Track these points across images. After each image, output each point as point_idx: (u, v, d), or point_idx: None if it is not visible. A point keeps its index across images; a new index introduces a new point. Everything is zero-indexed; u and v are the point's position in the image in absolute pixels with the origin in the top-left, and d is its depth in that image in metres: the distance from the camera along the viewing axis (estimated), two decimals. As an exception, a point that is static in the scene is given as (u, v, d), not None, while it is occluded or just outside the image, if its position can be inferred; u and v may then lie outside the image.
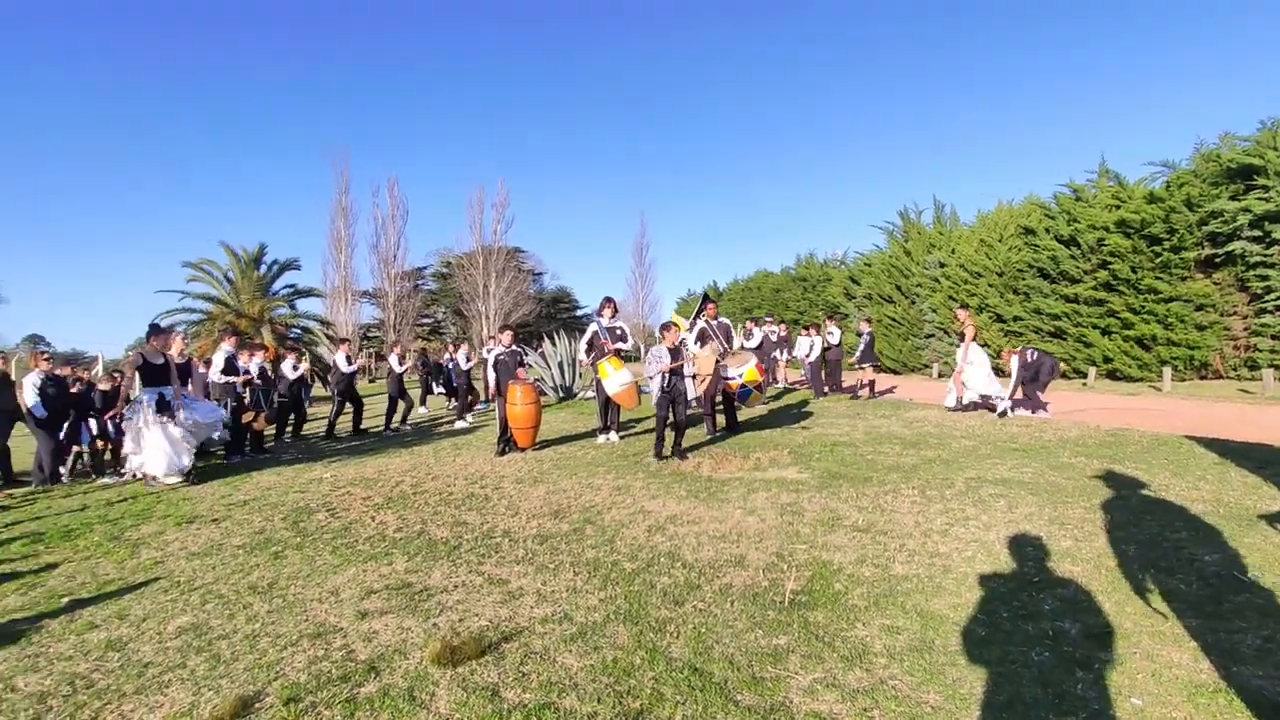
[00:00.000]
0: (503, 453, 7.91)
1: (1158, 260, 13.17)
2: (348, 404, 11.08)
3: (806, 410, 10.52)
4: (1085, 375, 14.33)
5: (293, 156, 75.54)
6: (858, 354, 12.42)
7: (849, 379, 14.24)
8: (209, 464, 8.20)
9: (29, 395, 7.77)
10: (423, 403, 15.23)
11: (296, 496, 6.23)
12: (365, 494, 6.16)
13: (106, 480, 7.79)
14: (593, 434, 8.86)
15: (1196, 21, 78.25)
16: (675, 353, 7.11)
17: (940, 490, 5.13)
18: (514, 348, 8.53)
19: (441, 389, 16.02)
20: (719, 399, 8.63)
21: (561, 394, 14.25)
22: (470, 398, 12.61)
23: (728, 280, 34.81)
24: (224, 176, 76.47)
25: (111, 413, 8.17)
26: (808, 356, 13.21)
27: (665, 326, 7.39)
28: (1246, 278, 12.18)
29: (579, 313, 51.43)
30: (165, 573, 4.21)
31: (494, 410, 8.37)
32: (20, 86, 69.54)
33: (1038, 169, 75.76)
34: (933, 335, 18.92)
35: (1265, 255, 11.78)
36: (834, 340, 13.07)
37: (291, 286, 25.71)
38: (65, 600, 3.79)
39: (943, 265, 18.63)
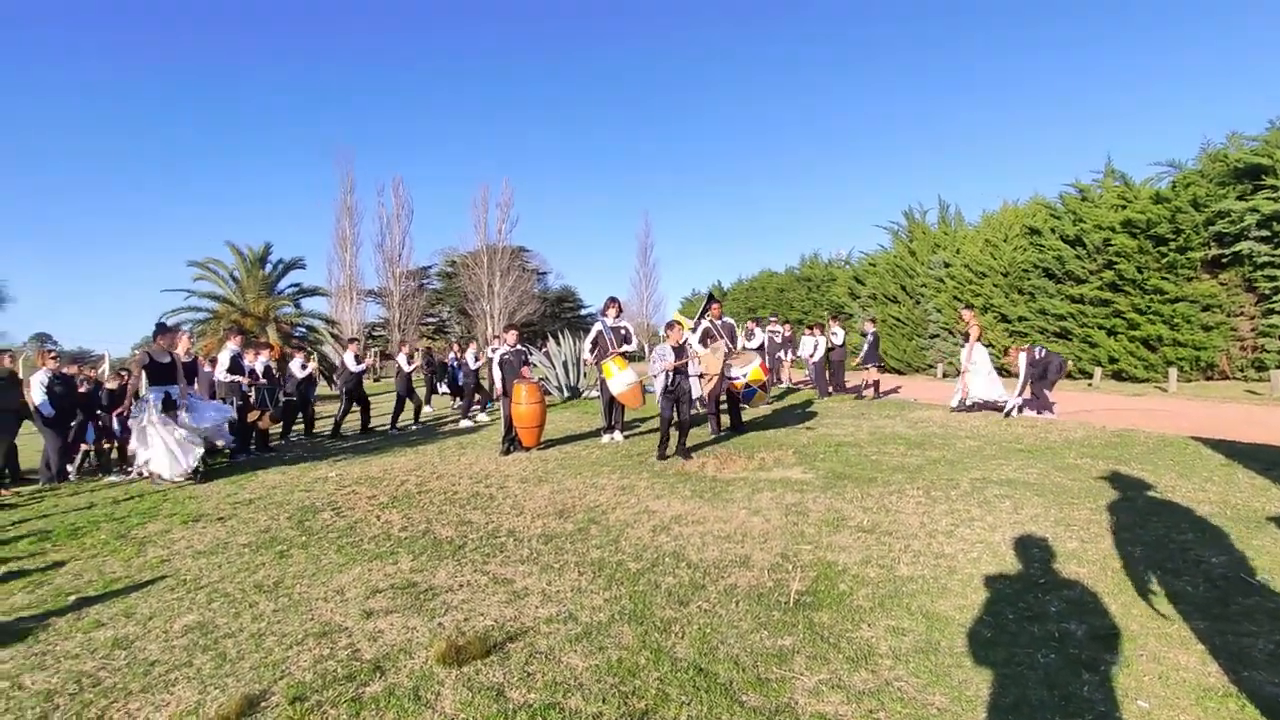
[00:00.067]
0: (507, 452, 7.92)
1: (1164, 260, 13.12)
2: (354, 404, 11.08)
3: (811, 410, 10.50)
4: (1091, 376, 14.28)
5: (298, 156, 75.60)
6: (862, 354, 12.40)
7: (853, 379, 14.22)
8: (217, 463, 8.22)
9: (36, 394, 7.81)
10: (427, 402, 15.25)
11: (302, 495, 6.25)
12: (370, 493, 6.17)
13: (113, 478, 7.82)
14: (597, 433, 8.86)
15: (1201, 21, 77.92)
16: (679, 351, 7.11)
17: (945, 491, 5.12)
18: (519, 347, 8.54)
19: (444, 389, 16.03)
20: (723, 399, 8.62)
21: (568, 393, 14.26)
22: (479, 396, 12.61)
23: (732, 280, 34.81)
24: (229, 176, 76.57)
25: (118, 410, 8.21)
26: (811, 356, 13.19)
27: (669, 325, 7.39)
28: (1254, 278, 12.12)
29: (583, 312, 51.42)
30: (171, 571, 4.23)
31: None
32: (23, 86, 69.88)
33: (1043, 169, 75.76)
34: (937, 335, 18.87)
35: (1273, 255, 11.72)
36: (838, 340, 13.06)
37: (297, 286, 25.85)
38: (72, 598, 3.81)
39: (947, 265, 18.58)
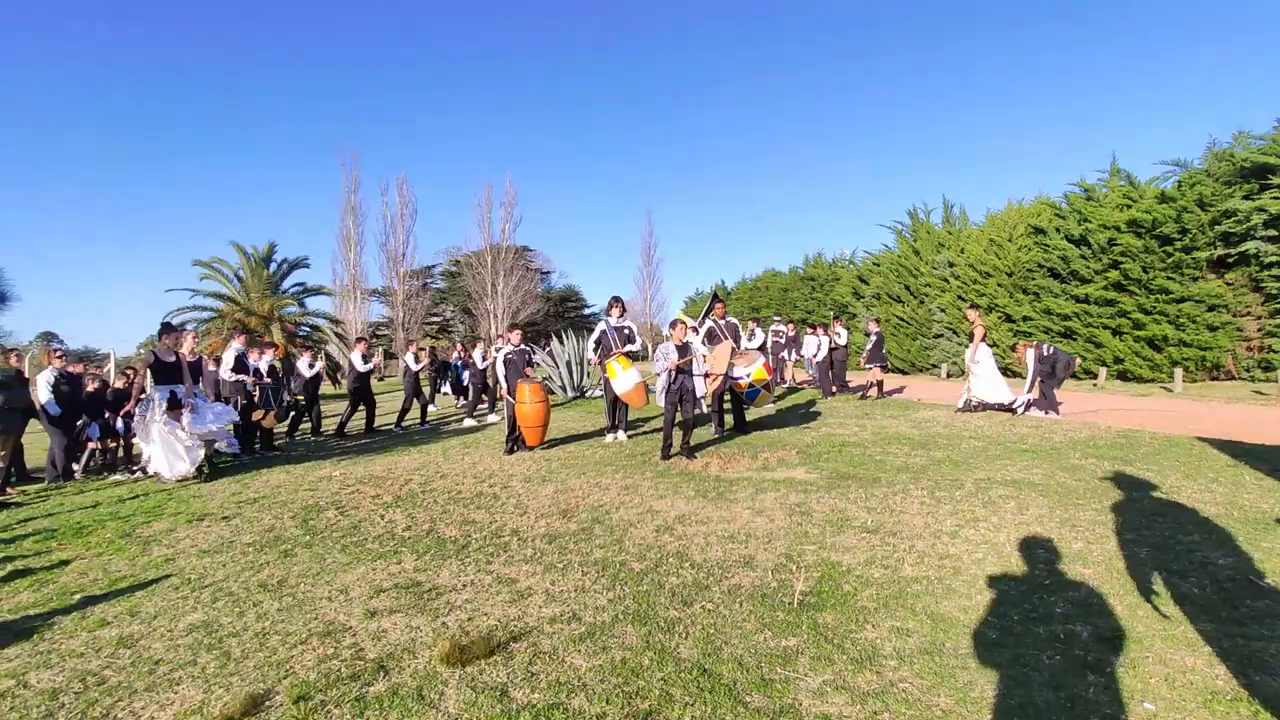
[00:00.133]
0: (511, 451, 7.93)
1: (1169, 260, 13.06)
2: (360, 403, 11.09)
3: (814, 410, 10.48)
4: (1096, 376, 14.22)
5: (302, 156, 75.94)
6: (866, 354, 12.37)
7: (857, 379, 14.20)
8: (223, 461, 8.24)
9: (43, 392, 7.85)
10: (431, 401, 15.27)
11: (306, 494, 6.26)
12: (374, 492, 6.18)
13: (118, 477, 7.85)
14: (601, 433, 8.87)
15: (1207, 20, 77.54)
16: (683, 350, 7.10)
17: (950, 491, 5.10)
18: (522, 346, 8.54)
19: (447, 389, 16.04)
20: (727, 398, 8.62)
21: (572, 393, 14.26)
22: (484, 396, 12.64)
23: (735, 280, 34.77)
24: (234, 176, 76.96)
25: (124, 410, 8.24)
26: (815, 356, 13.17)
27: (673, 324, 7.38)
28: (1261, 278, 12.06)
29: (587, 312, 51.45)
30: (176, 570, 4.24)
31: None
32: (25, 87, 70.13)
33: (1048, 169, 75.43)
34: (941, 335, 18.82)
35: (1280, 255, 11.66)
36: (841, 341, 13.04)
37: (301, 285, 25.93)
38: (77, 597, 3.82)
39: (952, 265, 18.53)
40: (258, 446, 9.22)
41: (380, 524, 5.11)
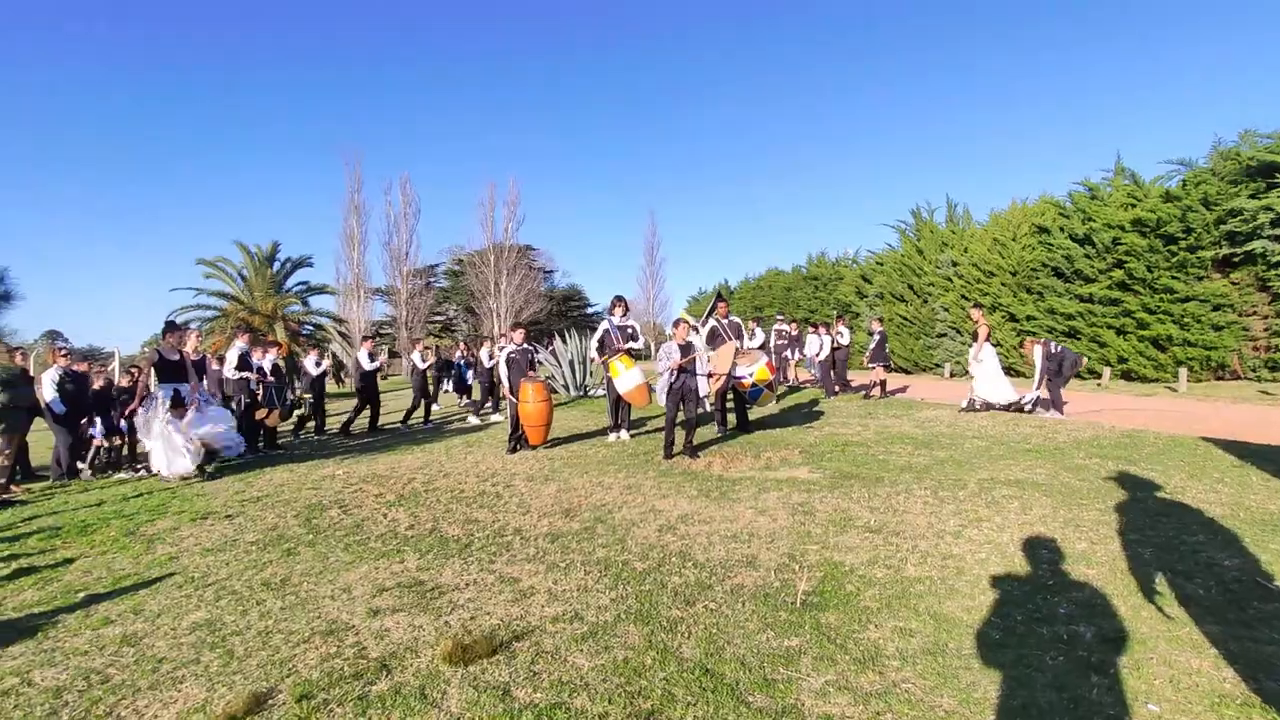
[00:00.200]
0: (514, 450, 7.93)
1: (1174, 259, 13.01)
2: (366, 401, 11.10)
3: (818, 410, 10.47)
4: (1100, 375, 14.18)
5: (306, 155, 76.18)
6: (869, 353, 12.35)
7: (860, 378, 14.19)
8: (229, 460, 8.26)
9: (47, 391, 7.87)
10: (434, 400, 15.30)
11: (309, 493, 6.27)
12: (377, 491, 6.19)
13: (123, 475, 7.88)
14: (603, 432, 8.87)
15: (1212, 19, 77.15)
16: (686, 349, 7.10)
17: (953, 491, 5.09)
18: (525, 346, 8.55)
19: (448, 387, 16.06)
20: (730, 397, 8.61)
21: (578, 392, 14.26)
22: (492, 395, 12.66)
23: (739, 279, 34.74)
24: (238, 175, 77.13)
25: (129, 409, 8.27)
26: (817, 356, 13.17)
27: (676, 324, 7.39)
28: (1268, 277, 12.00)
29: (590, 311, 51.48)
30: (180, 568, 4.25)
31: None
32: (27, 86, 70.33)
33: (1052, 168, 75.11)
34: (945, 334, 18.78)
35: (1287, 254, 11.60)
36: (844, 340, 13.02)
37: (304, 284, 25.97)
38: (81, 595, 3.83)
39: (955, 264, 18.49)
40: (261, 445, 9.24)
41: (383, 523, 5.11)
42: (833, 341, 12.90)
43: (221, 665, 2.86)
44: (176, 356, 7.29)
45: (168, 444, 6.97)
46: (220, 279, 23.81)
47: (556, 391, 14.05)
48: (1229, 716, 2.20)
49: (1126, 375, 14.13)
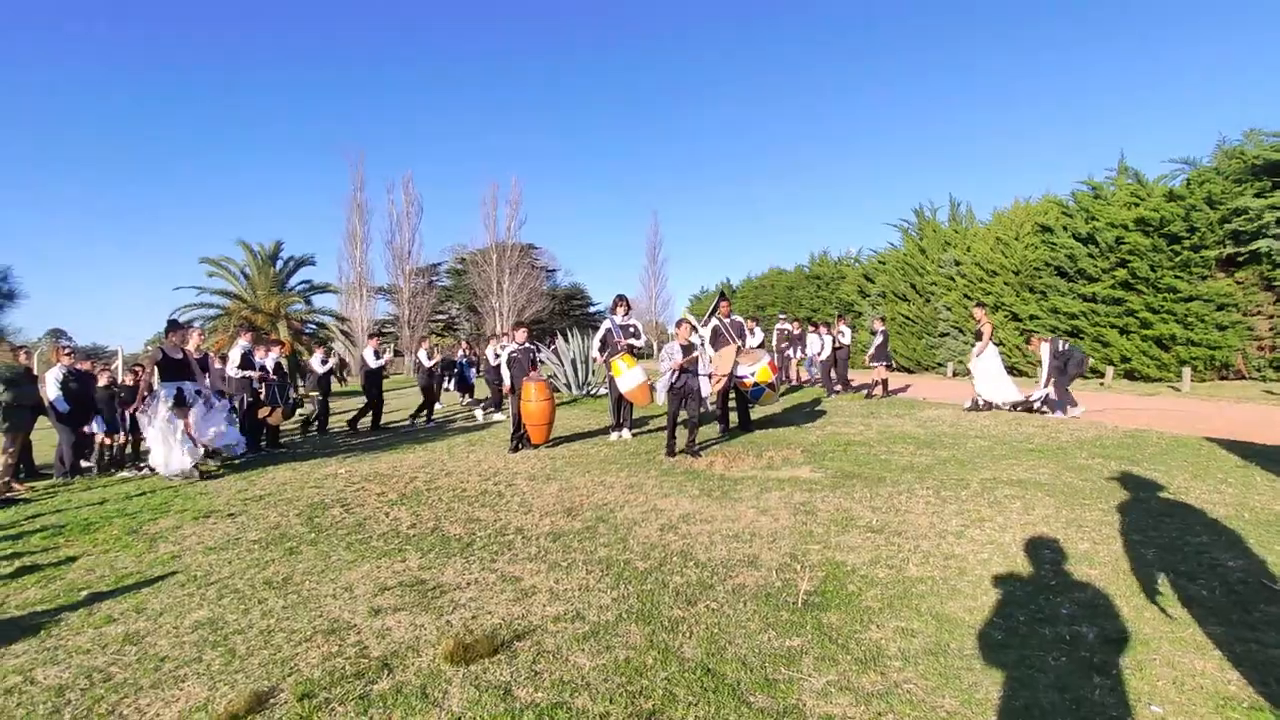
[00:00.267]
0: (516, 449, 7.93)
1: (1177, 259, 12.97)
2: (370, 399, 11.13)
3: (820, 409, 10.46)
4: (1103, 375, 14.14)
5: (304, 156, 76.27)
6: (871, 352, 12.34)
7: (862, 378, 14.17)
8: (229, 460, 8.28)
9: (51, 389, 7.89)
10: (436, 399, 15.30)
11: (311, 492, 6.28)
12: (379, 490, 6.20)
13: (126, 474, 7.90)
14: (605, 431, 8.87)
15: (1215, 18, 76.80)
16: (687, 349, 7.10)
17: (955, 491, 5.08)
18: (527, 345, 8.55)
19: (449, 386, 16.05)
20: (732, 396, 8.61)
21: (580, 391, 14.25)
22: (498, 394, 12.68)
23: (741, 278, 34.70)
24: (241, 174, 77.25)
25: (131, 408, 8.28)
26: (819, 355, 13.17)
27: (678, 323, 7.39)
28: (1273, 276, 11.95)
29: (592, 310, 51.50)
30: (182, 567, 4.26)
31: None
32: (27, 86, 70.45)
33: (1055, 167, 74.77)
34: (947, 334, 18.74)
35: (1292, 253, 11.55)
36: (845, 340, 13.01)
37: (307, 282, 26.02)
38: (84, 593, 3.84)
39: (958, 263, 18.45)
40: (263, 443, 9.25)
41: (385, 522, 5.12)
42: (834, 341, 12.89)
43: (223, 664, 2.86)
44: (180, 355, 7.31)
45: (167, 442, 6.99)
46: (223, 278, 23.87)
47: (559, 390, 14.04)
48: (1233, 718, 2.19)
49: (1130, 375, 14.09)
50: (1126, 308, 13.87)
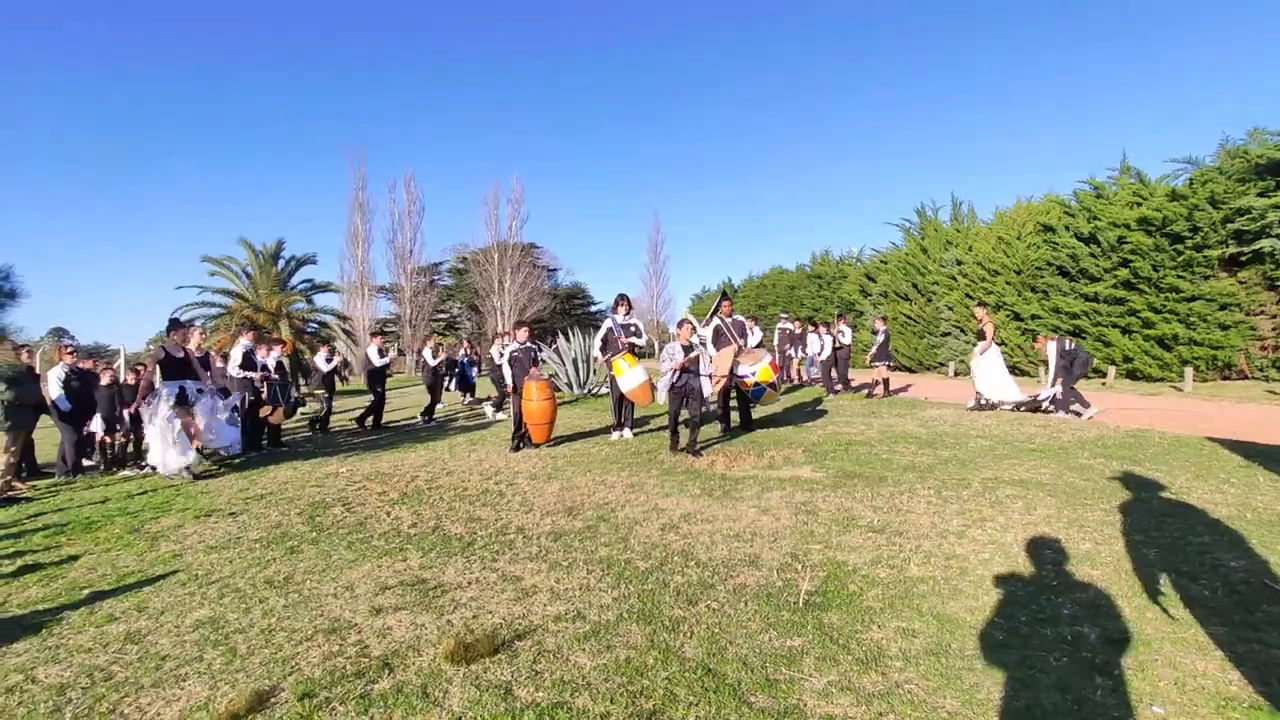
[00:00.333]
0: (517, 449, 7.93)
1: (1180, 258, 12.94)
2: (374, 397, 11.15)
3: (821, 409, 10.45)
4: (1105, 375, 14.12)
5: (305, 156, 76.35)
6: (872, 352, 12.33)
7: (861, 377, 14.15)
8: (229, 459, 8.29)
9: (53, 388, 7.91)
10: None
11: (313, 491, 6.28)
12: (380, 489, 6.20)
13: (128, 472, 7.91)
14: (607, 431, 8.87)
15: (1206, 21, 76.58)
16: (689, 349, 7.10)
17: (957, 491, 5.08)
18: (529, 344, 8.55)
19: (450, 385, 16.05)
20: (733, 396, 8.61)
21: (581, 391, 14.25)
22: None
23: (742, 277, 34.68)
24: (236, 175, 77.34)
25: (130, 407, 8.30)
26: (819, 355, 13.16)
27: (680, 323, 7.39)
28: (1275, 276, 11.92)
29: (593, 309, 51.51)
30: (183, 566, 4.26)
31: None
32: (27, 86, 70.52)
33: (1057, 167, 74.64)
34: (949, 333, 18.72)
35: (1295, 253, 11.52)
36: (845, 340, 13.00)
37: (309, 281, 26.10)
38: (85, 592, 3.85)
39: (960, 263, 18.43)
40: (265, 442, 9.26)
41: (386, 521, 5.12)
42: (834, 341, 12.88)
43: (224, 663, 2.87)
44: (181, 354, 7.32)
45: (164, 440, 7.01)
46: (225, 277, 23.92)
47: (560, 390, 14.05)
48: (1234, 719, 2.19)
49: (1132, 375, 14.06)
50: (1129, 307, 13.85)
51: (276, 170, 77.71)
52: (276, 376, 9.39)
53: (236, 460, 8.25)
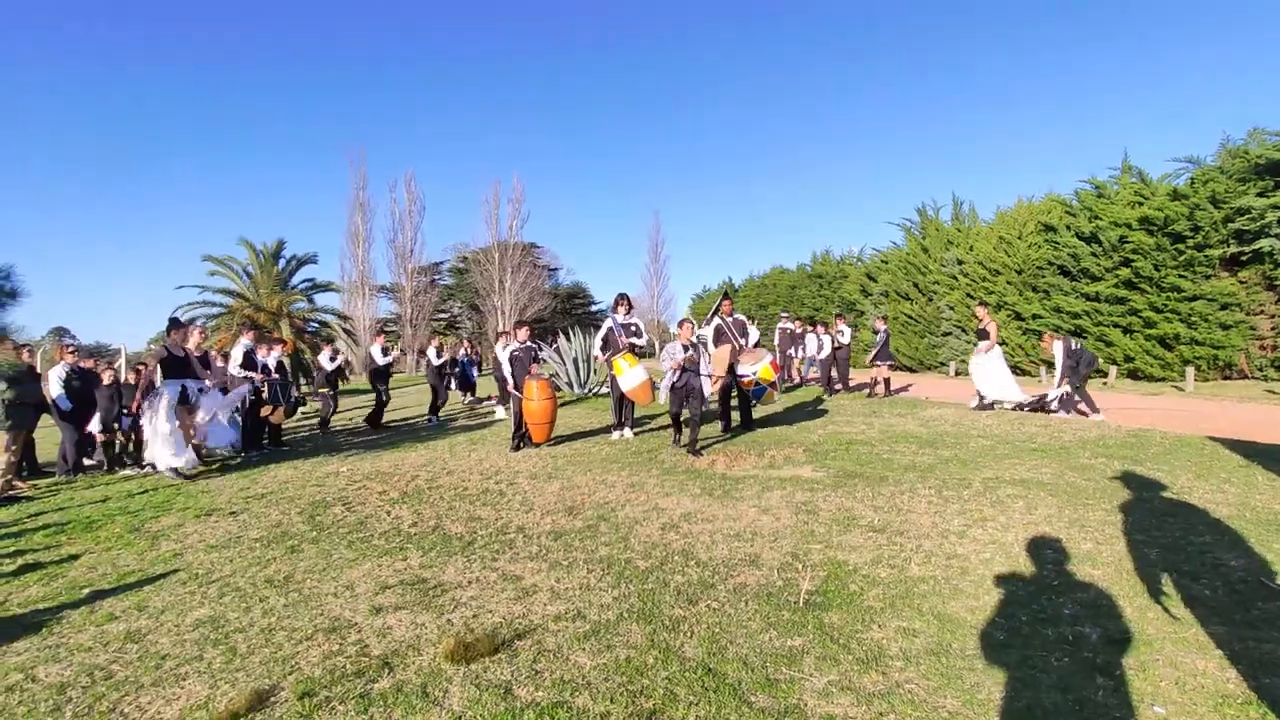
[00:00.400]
0: (518, 448, 7.93)
1: (1181, 258, 12.93)
2: (377, 395, 11.16)
3: (821, 408, 10.45)
4: (1106, 375, 14.11)
5: (305, 156, 76.43)
6: (873, 352, 12.33)
7: (860, 377, 14.14)
8: (229, 459, 8.29)
9: (54, 387, 7.91)
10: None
11: (313, 490, 6.28)
12: (381, 488, 6.20)
13: (128, 471, 7.91)
14: (607, 430, 8.86)
15: (1206, 21, 76.46)
16: (689, 348, 7.10)
17: (957, 490, 5.07)
18: (529, 343, 8.55)
19: (450, 385, 16.05)
20: (734, 395, 8.60)
21: (581, 390, 14.25)
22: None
23: (743, 277, 34.69)
24: (236, 175, 77.38)
25: (129, 406, 8.29)
26: (818, 354, 13.17)
27: (680, 323, 7.39)
28: (1275, 276, 11.92)
29: (594, 308, 51.52)
30: (184, 565, 4.26)
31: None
32: (27, 86, 70.56)
33: (1058, 167, 74.68)
34: (950, 333, 18.72)
35: (1295, 253, 11.52)
36: (844, 340, 13.00)
37: (310, 281, 26.08)
38: (86, 591, 3.85)
39: (961, 262, 18.42)
40: (266, 442, 9.26)
41: (386, 520, 5.12)
42: (833, 341, 12.88)
43: (224, 662, 2.87)
44: (182, 353, 7.33)
45: (164, 440, 7.01)
46: (226, 276, 23.92)
47: (560, 389, 14.05)
48: (1230, 716, 2.19)
49: (1133, 374, 14.06)
50: (1130, 307, 13.85)
51: (277, 170, 77.79)
52: (277, 376, 9.39)
53: (235, 460, 8.25)
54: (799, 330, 15.84)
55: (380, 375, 11.19)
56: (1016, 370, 11.00)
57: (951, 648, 2.71)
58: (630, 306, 8.64)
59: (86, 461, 8.32)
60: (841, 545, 4.01)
